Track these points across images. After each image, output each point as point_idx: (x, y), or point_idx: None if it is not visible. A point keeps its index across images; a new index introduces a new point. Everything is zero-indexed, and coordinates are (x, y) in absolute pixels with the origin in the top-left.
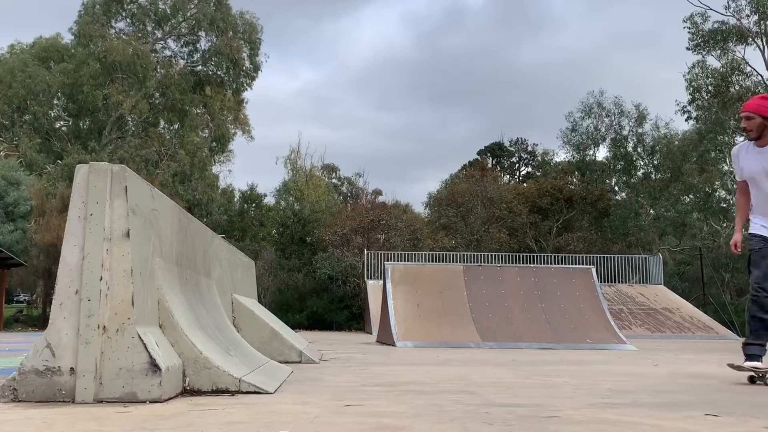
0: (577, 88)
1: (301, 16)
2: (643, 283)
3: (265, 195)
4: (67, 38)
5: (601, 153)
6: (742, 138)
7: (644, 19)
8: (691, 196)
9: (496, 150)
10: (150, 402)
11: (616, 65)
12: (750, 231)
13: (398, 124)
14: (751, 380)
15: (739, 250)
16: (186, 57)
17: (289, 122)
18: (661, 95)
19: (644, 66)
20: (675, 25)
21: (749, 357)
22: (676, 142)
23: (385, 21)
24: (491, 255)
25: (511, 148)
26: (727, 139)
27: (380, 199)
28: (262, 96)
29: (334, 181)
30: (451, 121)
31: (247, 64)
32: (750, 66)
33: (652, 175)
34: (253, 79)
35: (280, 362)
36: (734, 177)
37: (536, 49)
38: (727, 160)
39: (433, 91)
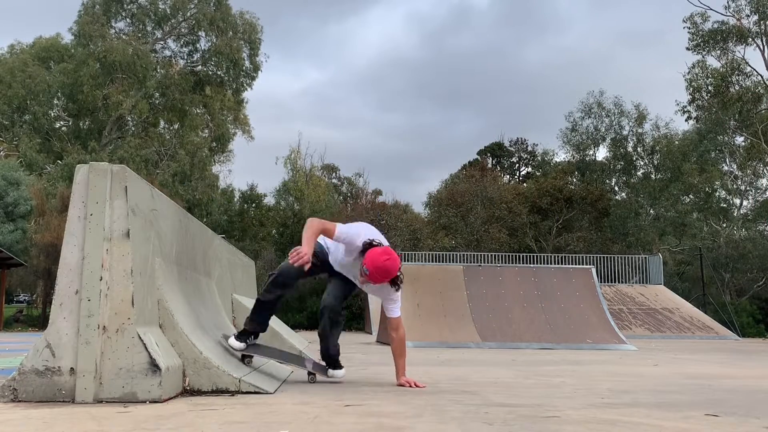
0: (580, 88)
1: (306, 17)
2: (643, 283)
3: (265, 195)
4: (67, 38)
5: (601, 153)
6: (741, 138)
7: (648, 18)
8: (691, 196)
9: (496, 150)
10: (150, 402)
11: (620, 65)
12: None
13: (399, 124)
14: None
15: None
16: (186, 57)
17: (292, 122)
18: (665, 95)
19: (648, 66)
20: (678, 24)
21: None
22: (676, 142)
23: (390, 21)
24: (491, 255)
25: (511, 148)
26: (727, 138)
27: (380, 199)
28: (266, 96)
29: (334, 181)
30: (453, 120)
31: (247, 64)
32: (750, 66)
33: (652, 175)
34: (253, 79)
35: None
36: (734, 177)
37: (541, 49)
38: (728, 160)
39: (436, 91)
